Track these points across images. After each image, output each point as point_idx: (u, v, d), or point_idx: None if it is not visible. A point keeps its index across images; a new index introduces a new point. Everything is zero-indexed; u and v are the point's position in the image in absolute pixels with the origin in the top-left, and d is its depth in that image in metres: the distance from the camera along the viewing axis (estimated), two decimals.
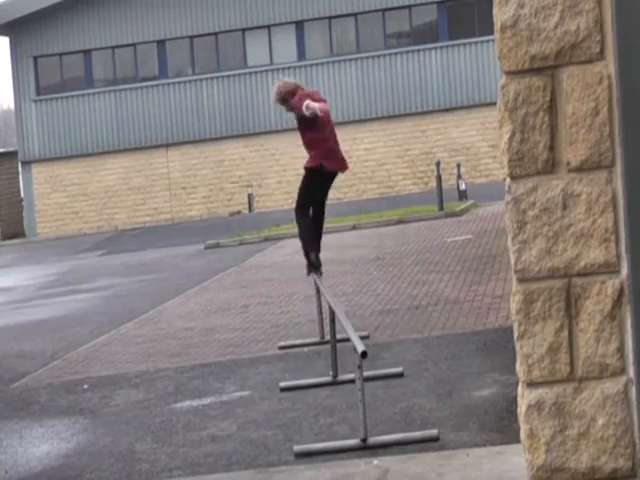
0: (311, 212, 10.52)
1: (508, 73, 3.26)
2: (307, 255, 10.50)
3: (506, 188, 3.31)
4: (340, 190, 32.35)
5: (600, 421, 3.26)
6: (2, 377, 11.32)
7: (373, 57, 34.96)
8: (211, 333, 12.33)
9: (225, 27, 35.74)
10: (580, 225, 3.25)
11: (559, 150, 3.25)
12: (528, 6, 3.23)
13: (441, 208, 24.05)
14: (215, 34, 35.97)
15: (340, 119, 34.44)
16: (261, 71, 35.47)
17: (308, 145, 10.26)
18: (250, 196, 34.74)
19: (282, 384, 9.05)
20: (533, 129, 3.25)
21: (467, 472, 5.99)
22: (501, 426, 7.04)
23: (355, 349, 7.05)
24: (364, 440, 7.01)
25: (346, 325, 7.67)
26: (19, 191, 38.72)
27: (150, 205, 36.38)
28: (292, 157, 33.98)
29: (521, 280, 3.29)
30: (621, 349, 3.25)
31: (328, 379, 9.02)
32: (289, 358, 10.32)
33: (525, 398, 3.31)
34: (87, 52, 36.74)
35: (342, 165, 10.39)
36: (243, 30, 35.77)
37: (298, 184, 10.83)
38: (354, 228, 23.53)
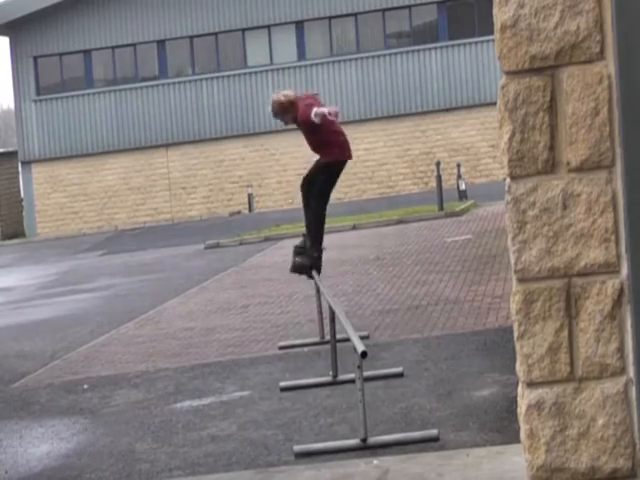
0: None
1: (508, 73, 3.26)
2: (311, 248, 10.56)
3: (506, 188, 3.30)
4: (340, 190, 32.34)
5: (600, 421, 3.26)
6: (2, 377, 11.31)
7: (373, 57, 34.96)
8: (211, 333, 12.33)
9: (225, 27, 35.74)
10: (580, 225, 3.25)
11: (559, 150, 3.25)
12: (528, 6, 3.23)
13: (441, 208, 24.05)
14: (215, 34, 35.97)
15: (340, 119, 34.44)
16: (261, 71, 35.47)
17: (319, 146, 10.39)
18: (250, 196, 34.73)
19: (282, 384, 9.05)
20: (533, 129, 3.25)
21: (467, 472, 5.99)
22: (501, 426, 7.04)
23: (355, 349, 7.05)
24: (364, 440, 7.01)
25: (346, 325, 7.67)
26: (19, 191, 38.72)
27: (150, 205, 36.38)
28: (292, 157, 34.00)
29: (521, 280, 3.29)
30: (621, 349, 3.25)
31: (328, 379, 9.02)
32: (289, 358, 10.32)
33: (525, 398, 3.31)
34: (87, 52, 36.73)
35: (349, 153, 10.61)
36: (243, 30, 35.77)
37: (298, 183, 10.92)
38: (354, 228, 23.52)
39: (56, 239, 34.51)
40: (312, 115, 9.83)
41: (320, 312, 10.81)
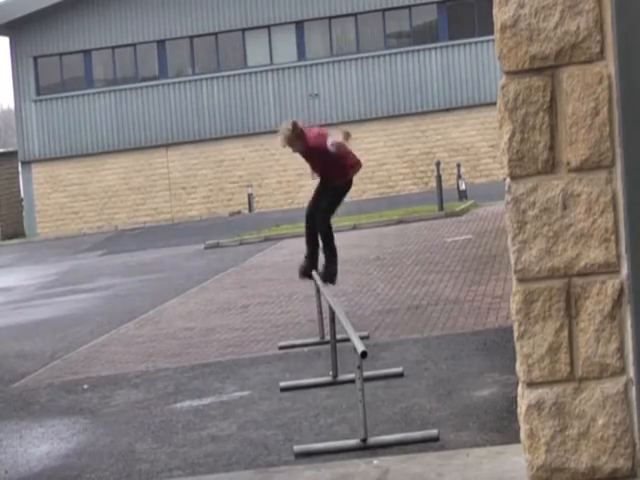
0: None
1: (508, 73, 3.26)
2: (333, 267, 11.00)
3: (506, 188, 3.30)
4: None
5: (600, 421, 3.26)
6: (2, 377, 11.32)
7: (373, 57, 34.96)
8: (211, 333, 12.33)
9: (225, 27, 35.74)
10: (580, 225, 3.25)
11: (559, 150, 3.25)
12: (528, 6, 3.23)
13: (441, 208, 24.05)
14: (215, 34, 35.96)
15: (340, 119, 34.46)
16: (261, 71, 35.47)
17: (333, 170, 10.79)
18: (250, 196, 34.73)
19: (282, 384, 9.05)
20: (533, 129, 3.25)
21: (467, 472, 5.99)
22: (501, 426, 7.04)
23: (355, 349, 7.05)
24: (364, 440, 7.01)
25: (346, 325, 7.67)
26: (19, 191, 38.71)
27: (150, 205, 36.37)
28: (292, 157, 33.91)
29: (521, 280, 3.29)
30: (621, 349, 3.25)
31: (328, 379, 9.02)
32: (289, 358, 10.32)
33: (525, 398, 3.31)
34: (87, 52, 36.73)
35: (360, 165, 11.15)
36: (243, 30, 35.77)
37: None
38: (354, 228, 23.52)
39: (56, 239, 34.51)
40: (329, 145, 10.38)
41: (320, 312, 10.82)
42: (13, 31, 36.59)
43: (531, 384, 3.29)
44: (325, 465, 6.63)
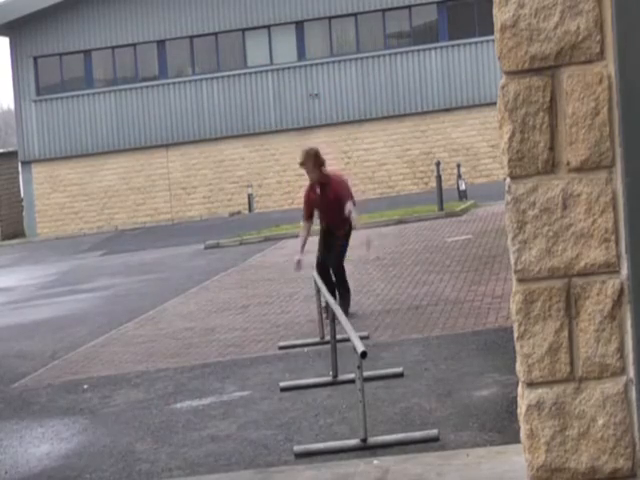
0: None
1: (508, 73, 3.26)
2: (346, 304, 11.83)
3: (506, 188, 3.30)
4: None
5: (600, 421, 3.26)
6: (2, 377, 11.32)
7: (373, 57, 34.95)
8: (211, 333, 12.33)
9: (225, 27, 35.73)
10: (580, 225, 3.25)
11: (559, 150, 3.25)
12: (528, 6, 3.23)
13: (441, 208, 24.05)
14: (215, 34, 35.96)
15: (340, 119, 34.47)
16: (261, 71, 35.47)
17: (335, 218, 12.15)
18: (250, 196, 34.72)
19: (282, 384, 9.06)
20: (533, 129, 3.25)
21: (467, 472, 5.99)
22: (501, 426, 7.04)
23: (355, 349, 7.05)
24: (364, 440, 7.01)
25: (346, 325, 7.68)
26: (19, 191, 38.71)
27: (150, 205, 36.37)
28: (292, 157, 33.94)
29: (521, 280, 3.29)
30: (621, 349, 3.24)
31: (328, 379, 9.02)
32: (289, 358, 10.33)
33: (525, 398, 3.31)
34: (87, 52, 36.73)
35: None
36: (243, 30, 35.77)
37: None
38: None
39: (56, 239, 34.51)
40: (346, 211, 11.93)
41: (320, 312, 10.82)
42: (13, 31, 36.59)
43: (531, 384, 3.29)
44: (325, 465, 6.63)
